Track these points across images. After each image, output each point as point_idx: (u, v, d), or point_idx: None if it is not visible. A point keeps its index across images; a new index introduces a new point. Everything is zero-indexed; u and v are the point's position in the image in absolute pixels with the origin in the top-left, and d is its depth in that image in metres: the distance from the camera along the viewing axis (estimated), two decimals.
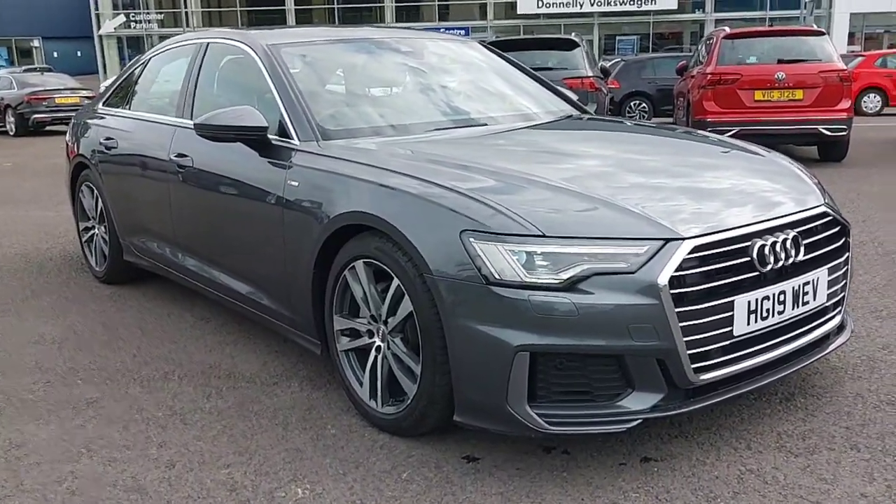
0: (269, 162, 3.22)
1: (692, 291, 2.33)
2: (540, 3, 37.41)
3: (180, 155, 3.75)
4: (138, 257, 4.46)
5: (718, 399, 2.46)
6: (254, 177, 3.27)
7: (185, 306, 4.36)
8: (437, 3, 40.54)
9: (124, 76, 4.82)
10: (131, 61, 4.89)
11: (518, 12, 37.71)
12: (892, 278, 4.50)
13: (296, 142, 3.16)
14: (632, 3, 36.65)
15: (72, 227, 6.56)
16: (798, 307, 2.62)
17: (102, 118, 4.75)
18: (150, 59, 4.61)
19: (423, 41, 4.12)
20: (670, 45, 37.03)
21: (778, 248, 2.52)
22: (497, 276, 2.32)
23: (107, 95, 4.94)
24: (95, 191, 4.73)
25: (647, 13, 36.76)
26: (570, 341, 2.28)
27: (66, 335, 3.99)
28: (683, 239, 2.35)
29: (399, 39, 4.03)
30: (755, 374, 2.56)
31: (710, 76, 9.45)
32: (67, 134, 5.29)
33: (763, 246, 2.48)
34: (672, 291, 2.28)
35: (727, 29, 10.15)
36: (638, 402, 2.36)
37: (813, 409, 2.86)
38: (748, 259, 2.46)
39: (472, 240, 2.38)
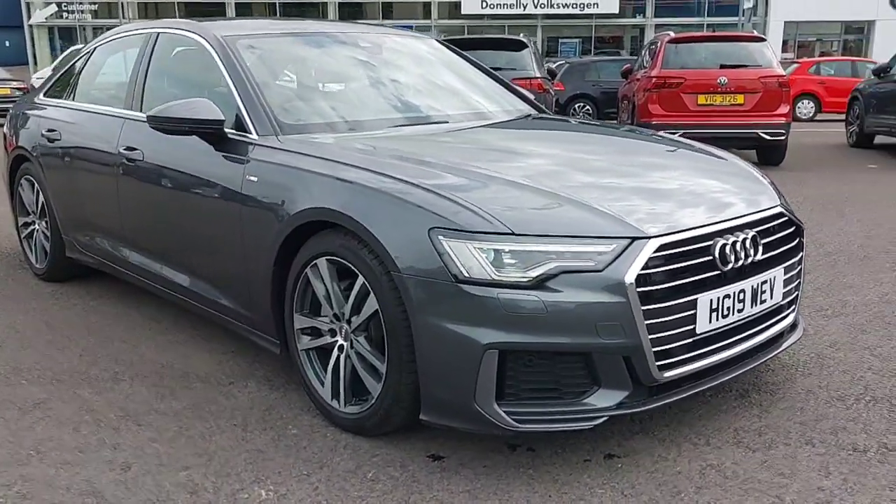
0: (224, 156, 3.15)
1: (657, 290, 2.36)
2: (484, 4, 37.57)
3: (129, 148, 3.65)
4: (82, 253, 4.33)
5: (680, 396, 2.50)
6: (209, 171, 3.20)
7: (132, 304, 4.25)
8: (380, 0, 40.37)
9: (66, 66, 4.66)
10: (71, 50, 4.74)
11: (462, 12, 37.81)
12: (834, 278, 4.64)
13: (254, 136, 3.10)
14: (574, 6, 37.08)
15: (5, 223, 6.37)
16: (756, 306, 2.67)
17: (44, 109, 4.59)
18: (96, 48, 4.47)
19: (378, 36, 4.08)
20: (609, 49, 37.59)
21: (738, 247, 2.57)
22: (466, 274, 2.31)
23: (47, 86, 4.78)
24: (36, 184, 4.57)
25: (589, 16, 37.23)
26: (539, 339, 2.29)
27: (6, 334, 3.84)
28: (649, 238, 2.38)
29: (355, 34, 3.99)
30: (715, 372, 2.61)
31: (655, 80, 9.61)
32: (5, 125, 5.10)
33: (724, 245, 2.53)
34: (638, 290, 2.31)
35: (671, 33, 10.34)
36: (604, 399, 2.38)
37: (767, 405, 2.92)
38: (710, 258, 2.50)
39: (440, 237, 2.36)
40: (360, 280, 2.58)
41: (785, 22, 35.91)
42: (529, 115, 3.86)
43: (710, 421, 2.80)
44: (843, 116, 16.90)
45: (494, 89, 4.05)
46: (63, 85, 4.60)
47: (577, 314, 2.29)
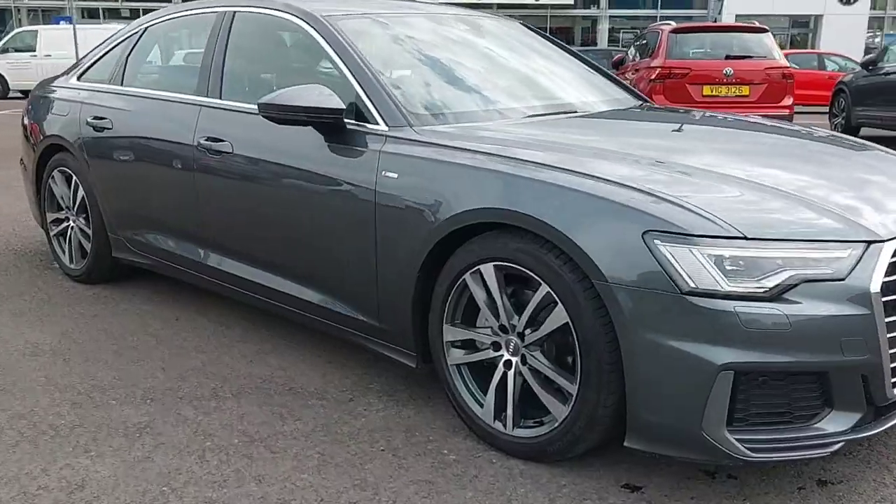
0: (345, 149, 2.83)
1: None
2: None
3: (212, 139, 3.28)
4: (135, 253, 3.93)
5: None
6: (326, 166, 2.87)
7: (192, 308, 3.87)
8: None
9: (108, 48, 4.22)
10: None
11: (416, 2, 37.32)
12: None
13: (382, 127, 2.78)
14: None
15: (13, 220, 5.88)
16: None
17: (83, 93, 4.15)
18: (145, 28, 4.05)
19: (477, 19, 3.78)
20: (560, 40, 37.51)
21: None
22: (692, 285, 2.05)
23: (82, 68, 4.34)
24: (74, 177, 4.14)
25: (544, 7, 37.13)
26: (781, 358, 2.04)
27: (64, 344, 3.44)
28: (885, 241, 2.15)
29: (454, 15, 3.68)
30: None
31: (660, 70, 9.47)
32: (24, 114, 4.64)
33: None
34: (884, 299, 2.08)
35: (672, 23, 10.21)
36: (836, 422, 2.14)
37: None
38: None
39: (657, 242, 2.09)
40: (544, 289, 2.29)
41: (735, 15, 36.35)
42: (643, 104, 3.61)
43: None
44: (812, 109, 17.18)
45: (595, 77, 3.77)
46: (106, 67, 4.16)
47: (820, 329, 2.04)
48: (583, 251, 2.17)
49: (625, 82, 3.94)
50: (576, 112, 3.19)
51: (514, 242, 2.34)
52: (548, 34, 4.06)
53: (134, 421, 2.74)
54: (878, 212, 2.29)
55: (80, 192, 4.13)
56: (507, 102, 3.12)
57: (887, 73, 10.97)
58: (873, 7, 36.54)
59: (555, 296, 2.26)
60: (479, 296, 2.47)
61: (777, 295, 2.04)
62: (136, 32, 4.08)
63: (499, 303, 2.43)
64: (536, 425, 2.42)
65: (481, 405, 2.54)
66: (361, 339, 2.92)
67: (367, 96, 2.86)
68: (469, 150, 2.57)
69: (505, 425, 2.47)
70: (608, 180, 2.26)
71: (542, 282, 2.29)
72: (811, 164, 2.74)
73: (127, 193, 3.84)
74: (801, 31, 37.79)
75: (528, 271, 2.32)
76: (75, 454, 2.51)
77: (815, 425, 2.13)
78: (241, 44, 3.45)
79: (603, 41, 37.45)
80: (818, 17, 36.02)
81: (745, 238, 2.07)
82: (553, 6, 37.49)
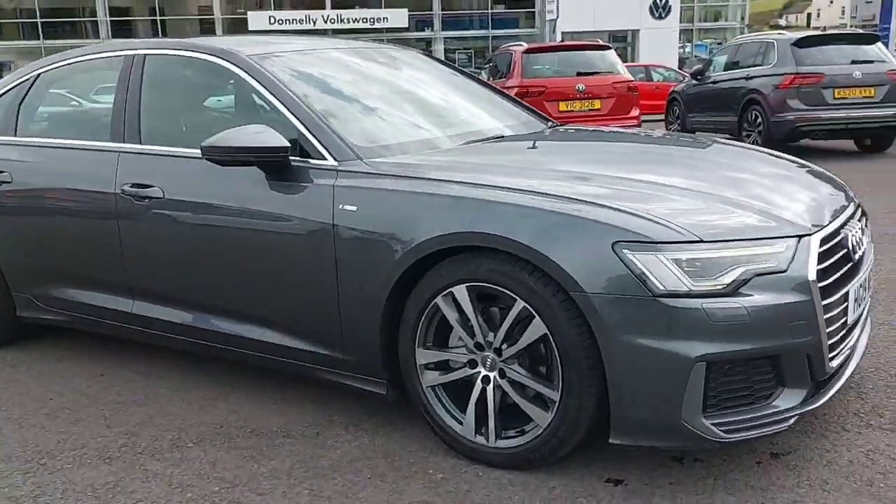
0: (291, 186, 2.87)
1: (826, 285, 2.43)
2: (272, 20, 36.86)
3: (138, 185, 3.21)
4: (46, 310, 3.73)
5: (839, 385, 2.58)
6: (274, 204, 2.89)
7: (115, 364, 3.72)
8: (157, 17, 38.52)
9: None
10: (5, 78, 4.08)
11: (250, 28, 36.82)
12: None
13: (331, 162, 2.84)
14: (365, 21, 37.37)
15: None
16: (868, 292, 2.82)
17: None
18: (37, 75, 3.87)
19: (387, 52, 3.90)
20: None
21: (857, 238, 2.70)
22: (662, 287, 2.25)
23: None
24: None
25: (380, 31, 37.61)
26: (743, 346, 2.28)
27: None
28: (812, 234, 2.44)
29: (366, 50, 3.77)
30: (848, 361, 2.72)
31: (517, 89, 9.89)
32: None
33: (852, 236, 2.65)
34: (819, 285, 2.36)
35: (524, 44, 10.71)
36: (789, 399, 2.40)
37: (858, 388, 3.09)
38: (846, 250, 2.61)
39: (626, 251, 2.29)
40: (519, 304, 2.43)
41: (562, 32, 38.29)
42: (552, 126, 3.83)
43: (826, 410, 2.89)
44: (647, 118, 18.37)
45: (501, 101, 3.97)
46: None
47: (772, 316, 2.30)
48: (559, 266, 2.33)
49: None
50: (503, 137, 3.37)
51: (487, 263, 2.47)
52: (444, 61, 4.23)
53: (100, 482, 2.64)
54: (791, 207, 2.59)
55: None
56: (441, 131, 3.26)
57: (715, 82, 11.98)
58: (682, 20, 39.47)
59: (532, 310, 2.41)
60: (452, 317, 2.58)
61: (734, 290, 2.27)
62: (27, 80, 3.89)
63: (473, 322, 2.55)
64: (518, 434, 2.55)
65: (460, 422, 2.64)
66: (323, 372, 2.94)
67: (311, 133, 2.91)
68: (428, 178, 2.68)
69: (487, 439, 2.59)
70: (571, 198, 2.44)
71: (517, 298, 2.43)
72: (723, 172, 3.03)
73: (36, 249, 3.66)
74: (620, 45, 40.21)
75: (502, 289, 2.45)
76: None
77: (772, 403, 2.39)
78: (157, 87, 3.40)
79: None
80: (635, 32, 38.43)
81: (702, 241, 2.30)
82: (388, 30, 38.04)
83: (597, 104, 9.96)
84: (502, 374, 2.54)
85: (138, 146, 3.31)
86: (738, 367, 2.33)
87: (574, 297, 2.32)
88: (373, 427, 2.94)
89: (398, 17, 37.60)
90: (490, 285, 2.48)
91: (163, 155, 3.23)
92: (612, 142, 3.65)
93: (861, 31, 14.70)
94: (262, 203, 2.93)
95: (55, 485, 2.64)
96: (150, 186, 3.18)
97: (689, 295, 2.25)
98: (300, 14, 37.13)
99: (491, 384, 2.56)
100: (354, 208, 2.72)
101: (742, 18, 42.15)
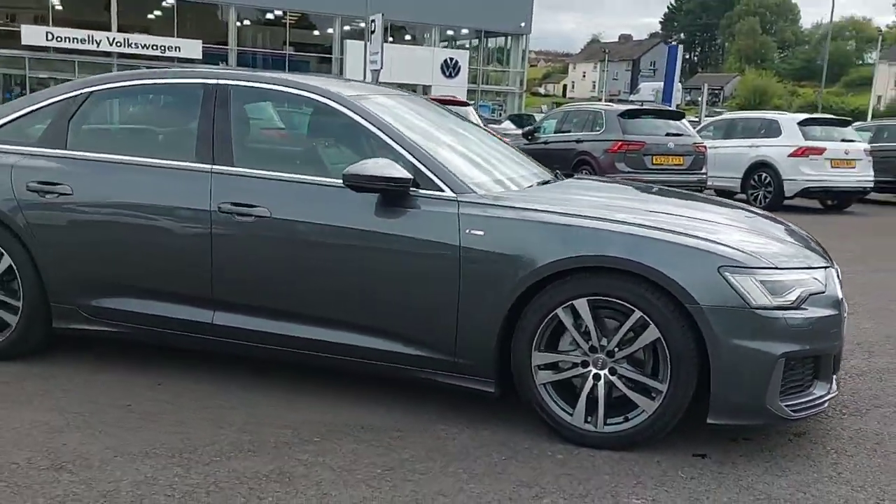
0: (409, 212, 3.31)
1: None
2: (50, 36, 34.50)
3: (239, 204, 3.47)
4: (95, 321, 3.77)
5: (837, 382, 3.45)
6: (392, 227, 3.32)
7: (158, 374, 3.84)
8: None
9: (26, 110, 3.98)
10: (41, 92, 4.05)
11: (23, 43, 34.25)
12: None
13: (449, 193, 3.33)
14: (155, 48, 36.20)
15: None
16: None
17: (9, 157, 3.88)
18: (90, 92, 3.92)
19: (426, 100, 4.41)
20: None
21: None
22: (755, 302, 2.99)
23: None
24: None
25: (171, 60, 36.56)
26: (807, 346, 3.07)
27: (65, 420, 3.28)
28: (832, 266, 3.32)
29: (412, 96, 4.28)
30: None
31: None
32: None
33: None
34: (845, 303, 3.23)
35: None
36: (820, 389, 3.22)
37: None
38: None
39: (727, 274, 3.01)
40: (636, 315, 3.07)
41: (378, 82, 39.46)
42: (557, 174, 4.51)
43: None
44: None
45: (511, 150, 4.60)
46: (29, 130, 3.93)
47: (822, 325, 3.12)
48: (679, 284, 3.00)
49: None
50: (548, 181, 4.02)
51: (608, 280, 3.09)
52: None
53: (264, 470, 2.88)
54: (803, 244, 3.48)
55: (5, 263, 3.83)
56: (509, 172, 3.86)
57: (546, 143, 13.36)
58: (469, 81, 42.20)
59: (647, 319, 3.05)
60: (570, 325, 3.15)
61: (798, 305, 3.07)
62: (76, 96, 3.93)
63: (591, 329, 3.14)
64: (624, 421, 3.15)
65: (568, 413, 3.20)
66: (430, 374, 3.37)
67: (426, 167, 3.38)
68: (547, 210, 3.26)
69: (595, 425, 3.17)
70: (677, 231, 3.14)
71: (635, 309, 3.06)
72: (710, 210, 3.86)
73: (92, 260, 3.73)
74: None
75: (622, 302, 3.08)
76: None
77: (812, 391, 3.20)
78: (246, 117, 3.69)
79: None
80: (427, 87, 40.46)
81: (777, 268, 3.09)
82: (181, 60, 37.04)
83: None
84: (612, 371, 3.15)
85: (235, 168, 3.56)
86: (798, 364, 3.12)
87: (689, 309, 3.00)
88: (472, 420, 3.40)
89: (191, 48, 36.81)
90: (611, 299, 3.09)
91: (266, 178, 3.52)
92: (628, 187, 4.50)
93: (669, 107, 16.92)
94: (377, 225, 3.34)
95: (219, 474, 2.85)
96: (255, 206, 3.46)
97: (772, 307, 3.01)
98: (82, 33, 35.10)
99: (602, 380, 3.16)
100: (482, 233, 3.23)
101: (521, 83, 45.72)
